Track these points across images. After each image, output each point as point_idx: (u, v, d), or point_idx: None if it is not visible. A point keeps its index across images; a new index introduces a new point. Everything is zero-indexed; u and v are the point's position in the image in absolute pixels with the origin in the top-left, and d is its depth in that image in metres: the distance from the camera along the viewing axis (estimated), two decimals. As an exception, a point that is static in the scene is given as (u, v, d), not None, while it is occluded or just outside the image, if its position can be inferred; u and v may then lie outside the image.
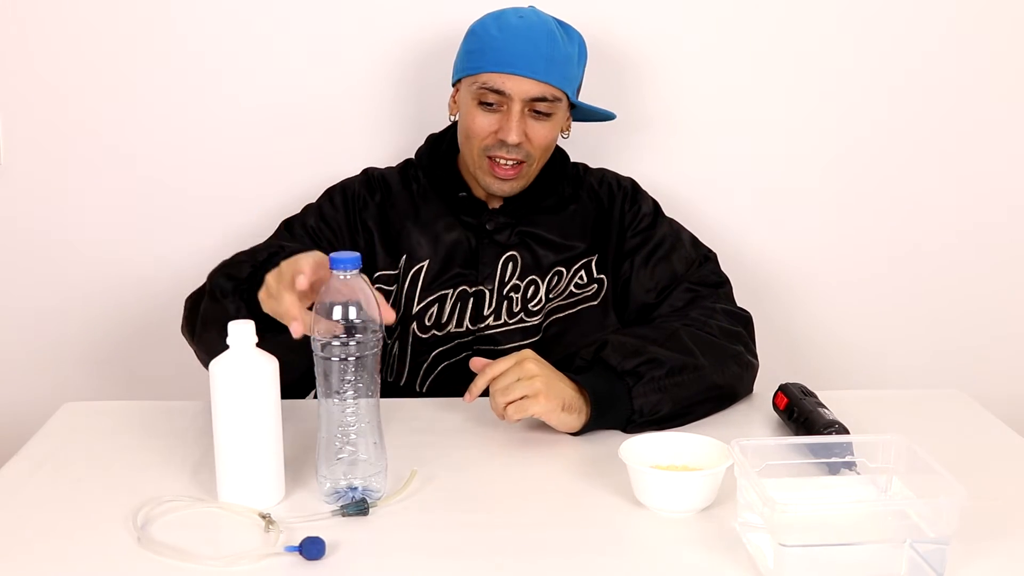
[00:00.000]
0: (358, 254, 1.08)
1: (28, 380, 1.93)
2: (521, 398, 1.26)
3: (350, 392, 1.09)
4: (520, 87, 1.46)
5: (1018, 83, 1.89)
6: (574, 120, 1.62)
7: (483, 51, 1.49)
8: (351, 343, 1.07)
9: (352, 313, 1.07)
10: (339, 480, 1.12)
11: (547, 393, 1.26)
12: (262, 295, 1.18)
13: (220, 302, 1.28)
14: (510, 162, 1.50)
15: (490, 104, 1.48)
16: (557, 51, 1.49)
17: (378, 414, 1.13)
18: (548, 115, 1.49)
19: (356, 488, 1.12)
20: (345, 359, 1.08)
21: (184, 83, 1.83)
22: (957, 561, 0.98)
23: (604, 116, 1.62)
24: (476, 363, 1.32)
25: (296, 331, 1.09)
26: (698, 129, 1.89)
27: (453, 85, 1.57)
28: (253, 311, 1.22)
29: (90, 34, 1.80)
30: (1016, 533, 1.06)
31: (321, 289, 1.09)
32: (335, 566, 1.00)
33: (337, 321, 1.07)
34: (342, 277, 1.07)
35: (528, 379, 1.26)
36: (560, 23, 1.54)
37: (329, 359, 1.08)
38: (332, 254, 1.07)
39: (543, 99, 1.48)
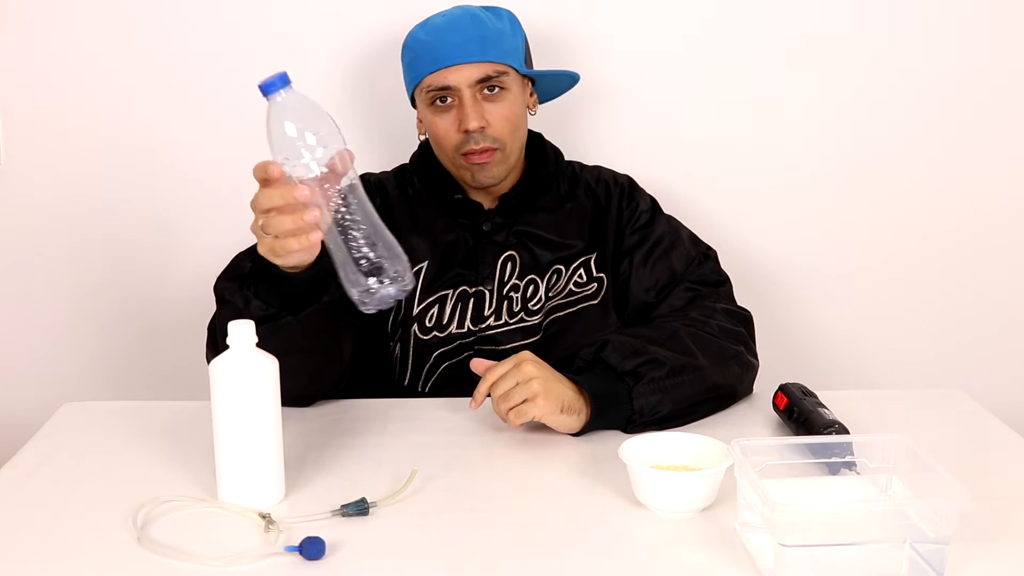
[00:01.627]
0: (284, 71, 1.03)
1: (28, 380, 1.93)
2: (521, 402, 1.26)
3: (337, 197, 1.06)
4: (460, 75, 1.48)
5: (1019, 78, 1.89)
6: (543, 99, 1.63)
7: (417, 57, 1.52)
8: (319, 152, 1.03)
9: (310, 136, 1.03)
10: (368, 282, 1.07)
11: (545, 395, 1.26)
12: (264, 244, 1.14)
13: (229, 302, 1.28)
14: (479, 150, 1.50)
15: (444, 102, 1.50)
16: (485, 30, 1.50)
17: (375, 213, 1.08)
18: (502, 90, 1.50)
19: (384, 282, 1.07)
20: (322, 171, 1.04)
21: (183, 87, 1.83)
22: (957, 561, 0.98)
23: (568, 80, 1.63)
24: (476, 364, 1.33)
25: (313, 213, 1.06)
26: (696, 127, 1.88)
27: (413, 107, 1.59)
28: (261, 299, 1.23)
29: (89, 35, 1.80)
30: (1016, 533, 1.06)
31: (267, 122, 1.04)
32: (335, 566, 1.00)
33: (298, 143, 1.02)
34: (280, 100, 1.02)
35: (526, 382, 1.26)
36: (486, 7, 1.56)
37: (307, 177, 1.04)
38: (259, 82, 1.02)
39: (487, 78, 1.49)
